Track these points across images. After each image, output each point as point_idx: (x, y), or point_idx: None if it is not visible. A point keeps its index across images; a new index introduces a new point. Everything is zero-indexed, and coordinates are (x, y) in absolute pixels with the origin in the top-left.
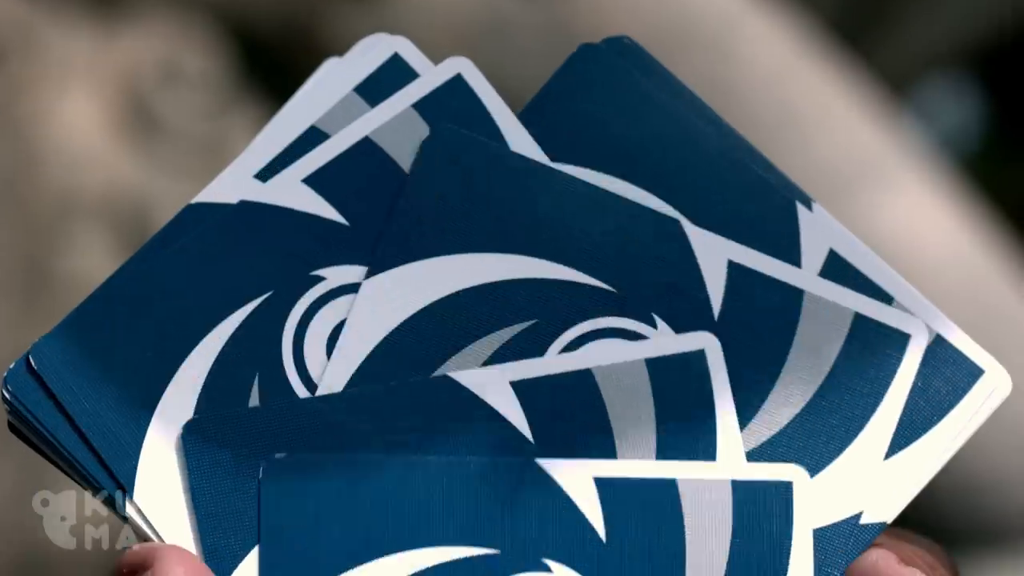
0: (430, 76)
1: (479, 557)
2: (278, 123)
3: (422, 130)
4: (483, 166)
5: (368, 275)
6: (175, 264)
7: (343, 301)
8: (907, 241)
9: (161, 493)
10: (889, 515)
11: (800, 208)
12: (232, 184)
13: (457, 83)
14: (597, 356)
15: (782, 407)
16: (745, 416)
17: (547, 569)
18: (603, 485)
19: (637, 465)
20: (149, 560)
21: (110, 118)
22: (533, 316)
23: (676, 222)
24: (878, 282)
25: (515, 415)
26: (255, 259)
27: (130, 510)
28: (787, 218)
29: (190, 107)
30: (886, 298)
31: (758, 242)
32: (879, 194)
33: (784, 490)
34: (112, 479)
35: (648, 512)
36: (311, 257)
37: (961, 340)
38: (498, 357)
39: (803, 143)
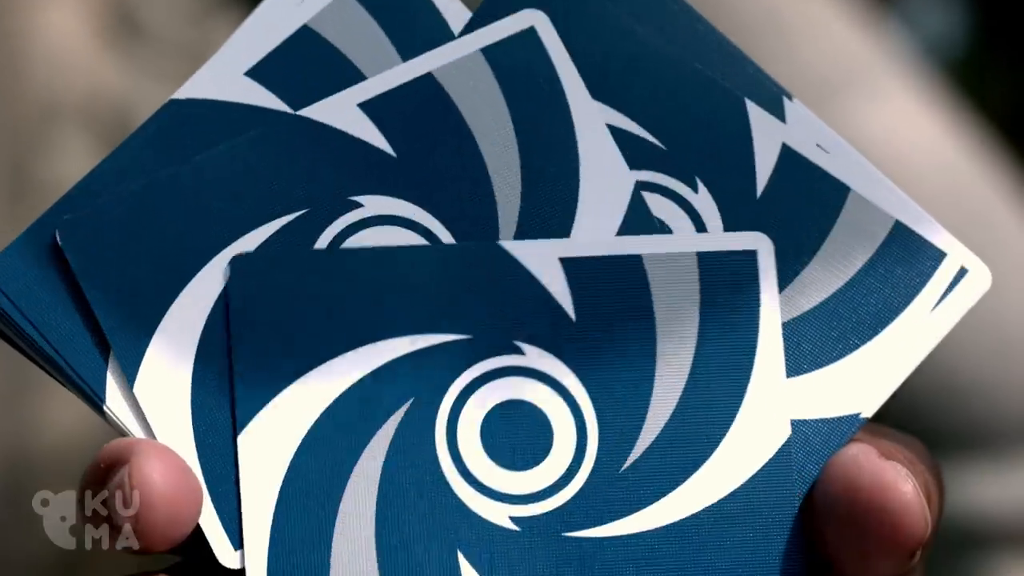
0: (503, 24)
1: (450, 343)
2: (262, 18)
3: (486, 75)
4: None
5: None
6: (213, 167)
7: (375, 232)
8: (892, 147)
9: (154, 390)
10: (869, 409)
11: (750, 105)
12: (212, 79)
13: (529, 36)
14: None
15: (803, 296)
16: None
17: (520, 351)
18: (569, 265)
19: (601, 243)
20: (126, 454)
21: (93, 24)
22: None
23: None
24: (835, 173)
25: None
26: (297, 173)
27: (112, 407)
28: (736, 116)
29: (173, 12)
30: (843, 189)
31: (708, 139)
32: (864, 101)
33: (751, 259)
34: (94, 374)
35: (616, 289)
36: (352, 182)
37: (938, 233)
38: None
39: (788, 50)
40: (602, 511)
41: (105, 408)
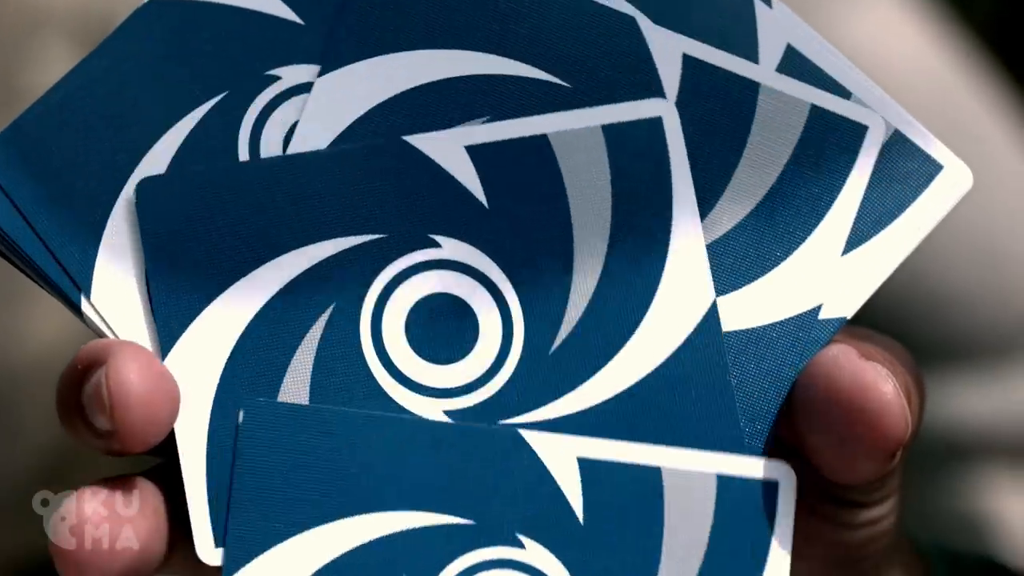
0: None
1: (451, 526)
2: None
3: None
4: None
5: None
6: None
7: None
8: (875, 56)
9: (119, 293)
10: (848, 310)
11: (644, 23)
12: None
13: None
14: (552, 123)
15: (740, 199)
16: (702, 211)
17: (520, 545)
18: (586, 466)
19: (621, 448)
20: (103, 355)
21: None
22: (486, 112)
23: (632, 19)
24: (836, 77)
25: (469, 178)
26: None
27: (96, 303)
28: (744, 13)
29: None
30: (844, 93)
31: (715, 36)
32: (847, 10)
33: (771, 491)
34: (71, 279)
35: (629, 498)
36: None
37: (920, 135)
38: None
39: None
40: (535, 395)
41: (83, 308)
